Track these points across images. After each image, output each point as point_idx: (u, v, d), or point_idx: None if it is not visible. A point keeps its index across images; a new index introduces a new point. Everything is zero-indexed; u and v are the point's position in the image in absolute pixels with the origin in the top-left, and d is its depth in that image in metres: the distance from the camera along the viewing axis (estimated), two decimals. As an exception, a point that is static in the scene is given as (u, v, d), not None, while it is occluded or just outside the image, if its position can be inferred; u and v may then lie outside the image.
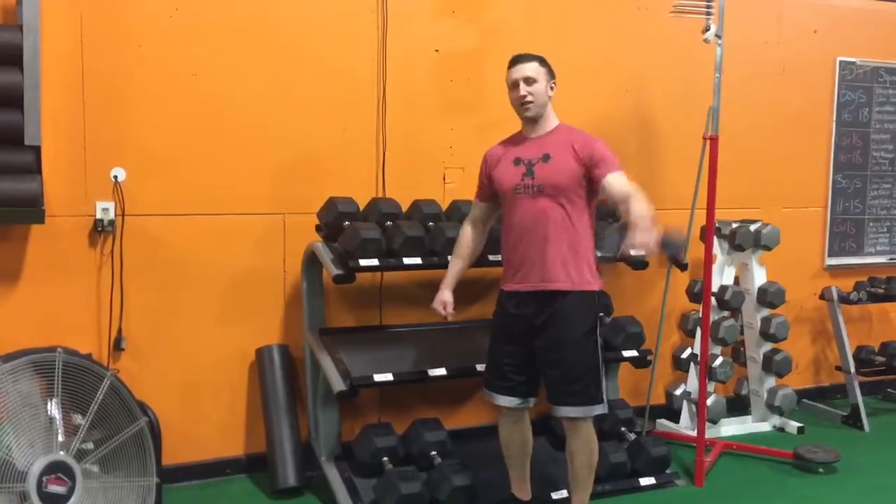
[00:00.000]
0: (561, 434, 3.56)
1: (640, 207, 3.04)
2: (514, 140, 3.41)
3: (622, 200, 3.16)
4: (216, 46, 3.84)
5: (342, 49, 4.09)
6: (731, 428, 4.85)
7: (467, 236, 3.56)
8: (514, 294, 3.34)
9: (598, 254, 3.37)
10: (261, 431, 3.98)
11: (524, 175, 3.28)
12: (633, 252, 3.19)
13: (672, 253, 3.02)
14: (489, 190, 3.46)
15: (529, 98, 3.26)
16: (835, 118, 5.45)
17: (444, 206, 4.20)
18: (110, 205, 3.68)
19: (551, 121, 3.35)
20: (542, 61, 3.32)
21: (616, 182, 3.19)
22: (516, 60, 3.32)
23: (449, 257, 3.79)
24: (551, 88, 3.33)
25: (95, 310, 3.71)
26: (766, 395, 4.92)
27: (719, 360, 4.73)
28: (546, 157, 3.26)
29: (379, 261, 3.67)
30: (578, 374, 3.26)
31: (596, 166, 3.21)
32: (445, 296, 3.54)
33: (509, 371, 3.39)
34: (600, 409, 3.34)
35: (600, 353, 3.33)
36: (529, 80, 3.27)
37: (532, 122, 3.33)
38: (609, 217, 4.42)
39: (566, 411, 3.30)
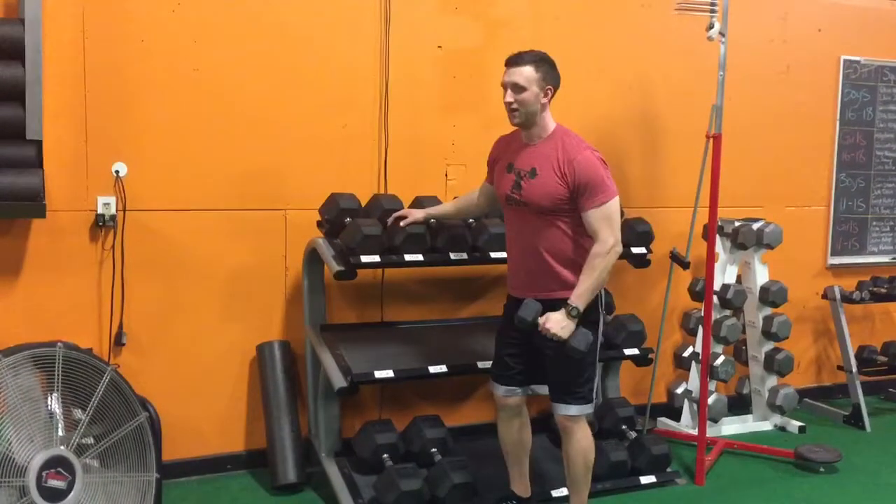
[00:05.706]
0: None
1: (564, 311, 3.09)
2: (514, 139, 3.35)
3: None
4: (218, 41, 3.83)
5: (345, 44, 4.08)
6: (732, 427, 4.85)
7: (470, 196, 3.69)
8: (513, 298, 3.36)
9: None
10: (261, 427, 3.98)
11: (513, 187, 3.24)
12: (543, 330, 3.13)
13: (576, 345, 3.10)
14: (492, 178, 3.46)
15: (515, 106, 3.17)
16: (839, 117, 5.44)
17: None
18: (112, 199, 3.67)
19: (545, 128, 3.22)
20: (539, 64, 3.17)
21: (590, 225, 3.13)
22: (510, 62, 3.19)
23: (451, 254, 3.79)
24: (545, 94, 3.18)
25: (96, 305, 3.71)
26: (767, 395, 4.92)
27: (721, 358, 4.72)
28: (533, 173, 3.19)
29: (380, 257, 3.67)
30: (571, 373, 3.25)
31: (580, 195, 3.11)
32: (416, 213, 3.70)
33: (509, 359, 3.39)
34: (589, 409, 3.32)
35: (597, 352, 3.29)
36: (517, 88, 3.14)
37: (522, 128, 3.26)
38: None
39: (558, 409, 3.30)
